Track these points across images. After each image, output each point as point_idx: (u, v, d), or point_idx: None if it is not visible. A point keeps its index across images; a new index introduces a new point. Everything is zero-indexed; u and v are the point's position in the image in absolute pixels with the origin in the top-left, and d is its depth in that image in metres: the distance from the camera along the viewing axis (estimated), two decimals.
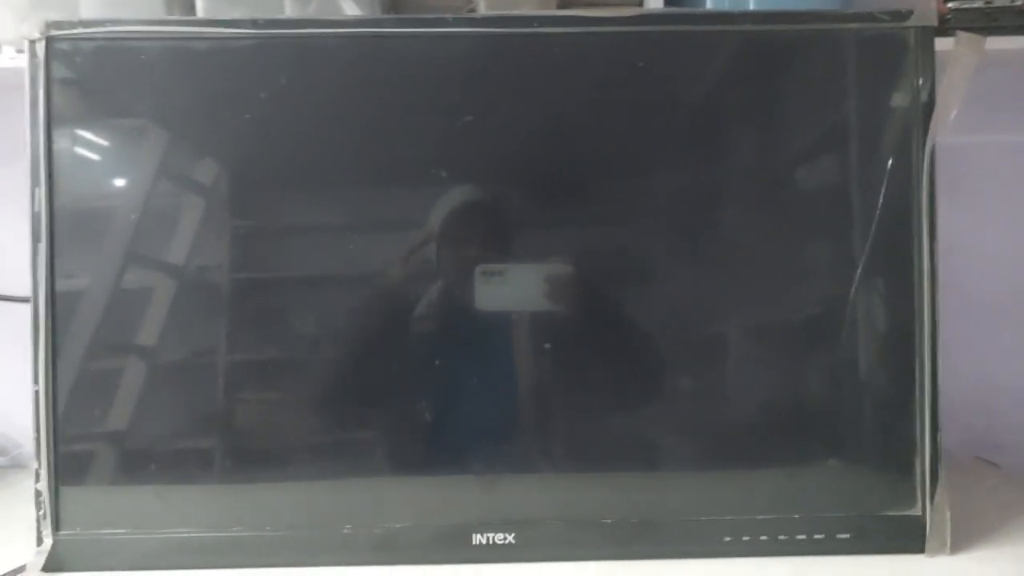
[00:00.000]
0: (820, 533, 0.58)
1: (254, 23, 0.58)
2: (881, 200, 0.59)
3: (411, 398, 0.60)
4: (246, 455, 0.61)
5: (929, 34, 0.58)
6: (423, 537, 0.59)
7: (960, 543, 0.59)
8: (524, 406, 0.61)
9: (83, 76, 0.59)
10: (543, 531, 0.59)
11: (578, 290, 0.60)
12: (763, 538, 0.58)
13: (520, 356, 0.60)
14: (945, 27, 0.60)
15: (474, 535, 0.58)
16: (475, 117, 0.59)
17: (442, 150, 0.60)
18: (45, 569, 0.58)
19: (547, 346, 0.60)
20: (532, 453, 0.61)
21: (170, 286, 0.60)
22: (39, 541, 0.58)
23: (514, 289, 0.59)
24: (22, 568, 0.58)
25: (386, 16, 0.69)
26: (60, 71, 0.58)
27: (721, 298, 0.62)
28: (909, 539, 0.58)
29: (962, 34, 0.59)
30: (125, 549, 0.58)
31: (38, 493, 0.58)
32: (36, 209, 0.58)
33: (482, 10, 0.67)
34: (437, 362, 0.60)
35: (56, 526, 0.58)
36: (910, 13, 0.59)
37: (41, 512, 0.58)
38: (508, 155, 0.61)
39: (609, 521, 0.59)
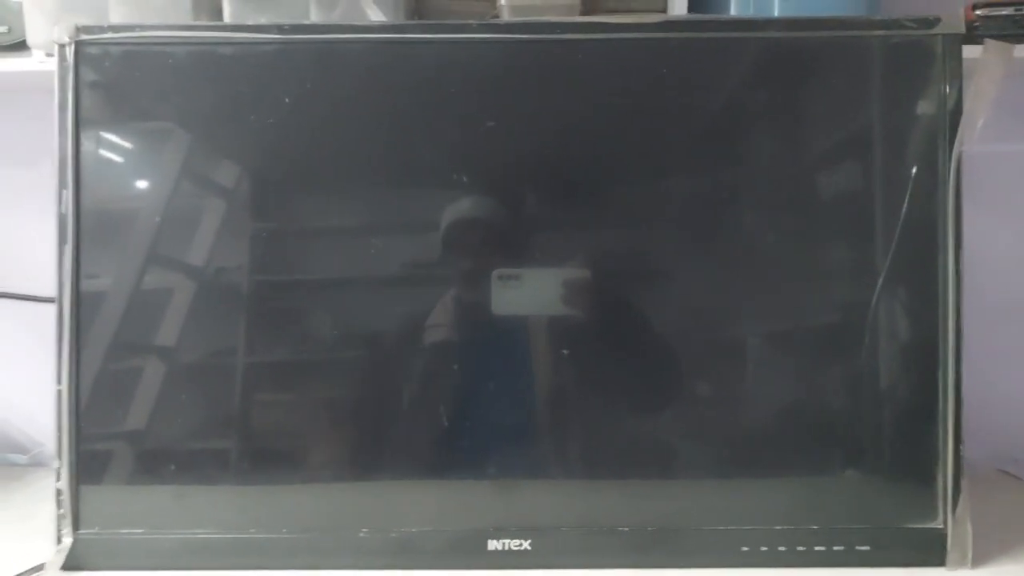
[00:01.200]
0: (839, 544, 0.58)
1: (279, 28, 0.59)
2: (907, 208, 0.58)
3: (428, 402, 0.60)
4: (264, 457, 0.61)
5: (957, 41, 0.58)
6: (439, 542, 0.59)
7: (982, 557, 0.58)
8: (541, 411, 0.61)
9: (111, 80, 0.60)
10: (559, 538, 0.58)
11: (596, 295, 0.60)
12: (781, 548, 0.58)
13: (537, 361, 0.60)
14: (973, 35, 0.59)
15: (490, 541, 0.58)
16: (497, 123, 0.59)
17: (464, 155, 0.60)
18: (64, 567, 0.58)
19: (565, 351, 0.60)
20: (549, 459, 0.61)
21: (191, 288, 0.60)
22: (58, 540, 0.58)
23: (531, 293, 0.59)
24: (41, 566, 0.58)
25: (410, 22, 0.69)
26: (89, 74, 0.59)
27: (742, 305, 0.61)
28: (930, 552, 0.58)
29: (990, 42, 0.58)
30: (143, 549, 0.59)
31: (59, 492, 0.58)
32: (63, 211, 0.59)
33: (506, 17, 0.67)
34: (455, 366, 0.60)
35: (76, 525, 0.59)
36: (938, 20, 0.58)
37: (61, 511, 0.58)
38: (529, 160, 0.61)
39: (626, 529, 0.58)
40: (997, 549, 0.60)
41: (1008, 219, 0.84)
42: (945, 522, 0.57)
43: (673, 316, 0.61)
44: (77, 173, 0.59)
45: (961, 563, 0.57)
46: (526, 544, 0.58)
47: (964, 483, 0.57)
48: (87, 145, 0.59)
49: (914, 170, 0.58)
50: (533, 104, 0.60)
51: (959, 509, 0.57)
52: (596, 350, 0.60)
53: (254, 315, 0.61)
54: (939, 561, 0.57)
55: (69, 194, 0.59)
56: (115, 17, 0.67)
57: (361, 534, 0.59)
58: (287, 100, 0.59)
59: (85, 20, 0.59)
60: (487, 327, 0.60)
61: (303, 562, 0.58)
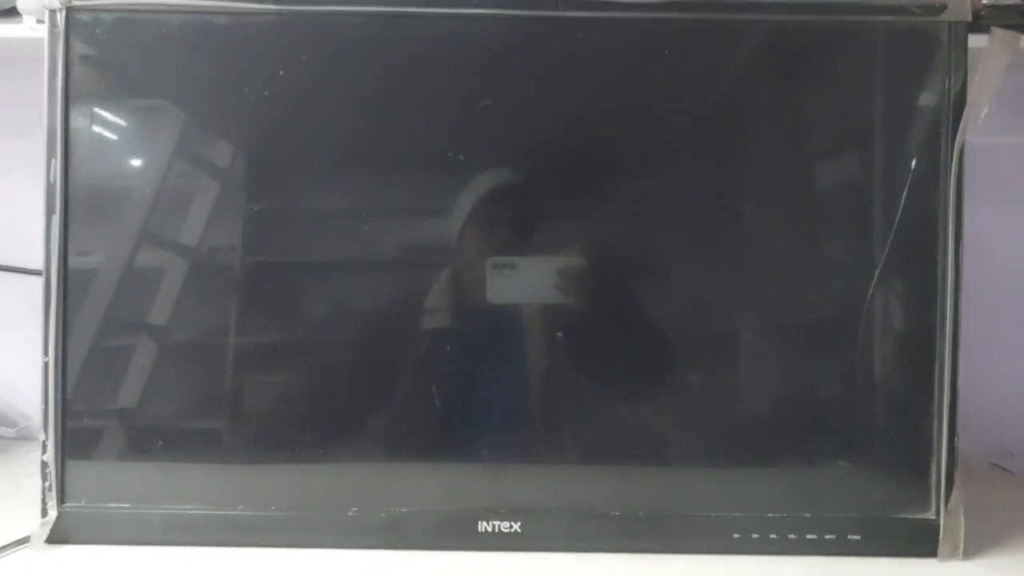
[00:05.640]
0: (831, 533, 0.57)
1: None
2: (907, 198, 0.58)
3: (421, 384, 0.59)
4: (253, 435, 0.61)
5: (963, 29, 0.57)
6: (428, 523, 0.58)
7: (973, 549, 0.58)
8: (534, 396, 0.60)
9: (103, 48, 0.58)
10: (550, 521, 0.58)
11: (591, 283, 0.59)
12: (773, 536, 0.57)
13: (532, 346, 0.60)
14: (979, 23, 0.58)
15: (480, 522, 0.58)
16: (494, 101, 0.58)
17: (460, 134, 0.59)
18: (49, 541, 0.57)
19: (559, 334, 0.59)
20: (541, 443, 0.60)
21: (183, 266, 0.60)
22: (44, 513, 0.58)
23: (526, 282, 0.59)
24: (26, 539, 0.58)
25: None
26: (80, 42, 0.58)
27: (742, 294, 0.61)
28: (921, 543, 0.57)
29: (997, 30, 0.57)
30: (129, 524, 0.58)
31: (44, 464, 0.58)
32: (52, 180, 0.58)
33: None
34: (449, 351, 0.59)
35: (61, 498, 0.58)
36: (944, 7, 0.57)
37: (47, 484, 0.58)
38: (526, 142, 0.60)
39: (617, 513, 0.58)
40: (988, 541, 0.60)
41: (1004, 211, 0.84)
42: (937, 513, 0.57)
43: (669, 305, 0.60)
44: (66, 142, 0.58)
45: (952, 554, 0.57)
46: (516, 526, 0.58)
47: (957, 475, 0.57)
48: (77, 114, 0.58)
49: (915, 160, 0.58)
50: (531, 83, 0.59)
51: (952, 501, 0.57)
52: (591, 337, 0.60)
53: (246, 295, 0.60)
54: (930, 552, 0.57)
55: (58, 163, 0.58)
56: None
57: (350, 513, 0.58)
58: (282, 73, 0.58)
59: None
60: (482, 312, 0.59)
61: (290, 540, 0.58)
